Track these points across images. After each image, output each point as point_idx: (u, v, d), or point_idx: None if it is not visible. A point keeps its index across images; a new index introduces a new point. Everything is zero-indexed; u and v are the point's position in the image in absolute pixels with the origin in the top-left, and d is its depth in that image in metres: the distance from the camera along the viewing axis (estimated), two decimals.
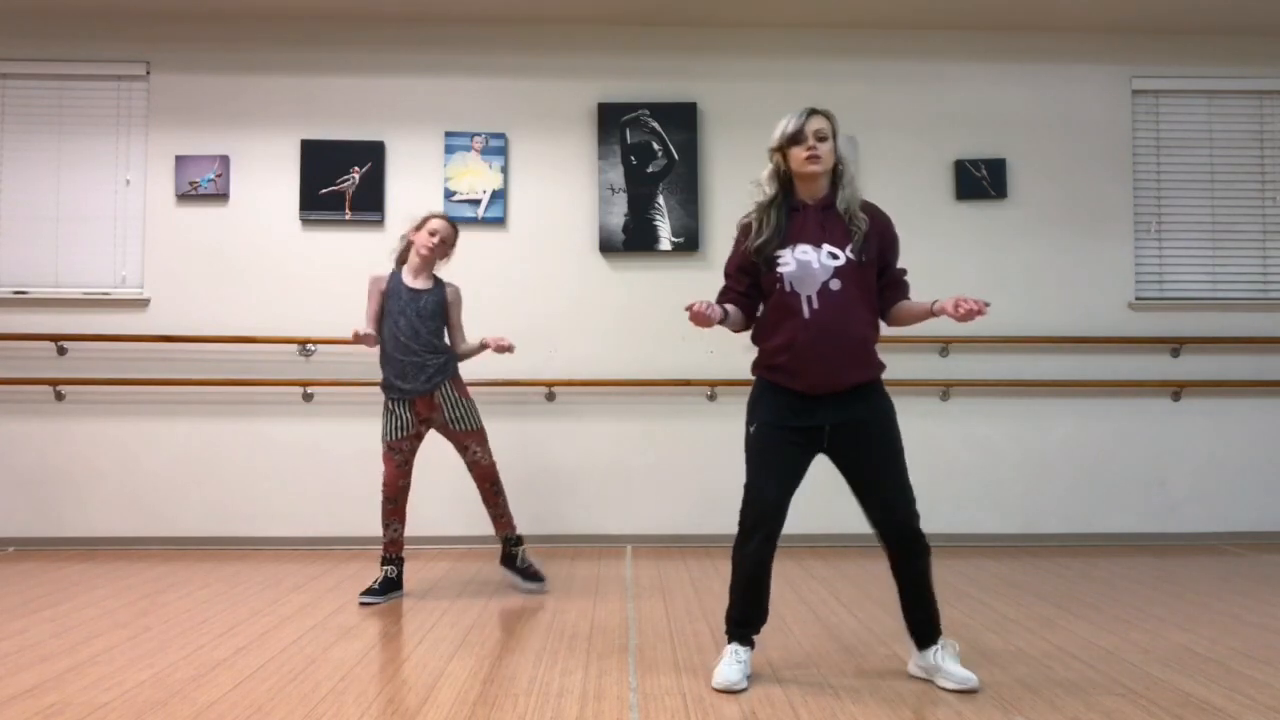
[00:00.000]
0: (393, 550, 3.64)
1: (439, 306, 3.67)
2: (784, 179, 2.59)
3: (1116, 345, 4.94)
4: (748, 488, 2.56)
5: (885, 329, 2.65)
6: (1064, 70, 5.05)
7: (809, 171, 2.53)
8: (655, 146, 4.91)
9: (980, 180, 4.97)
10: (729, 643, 2.57)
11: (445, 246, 3.69)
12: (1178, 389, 4.95)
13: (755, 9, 4.83)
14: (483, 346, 3.73)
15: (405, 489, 3.64)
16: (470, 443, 3.66)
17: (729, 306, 2.62)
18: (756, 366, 2.65)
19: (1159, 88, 5.08)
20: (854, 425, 2.51)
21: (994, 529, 4.85)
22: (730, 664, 2.50)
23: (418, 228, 3.68)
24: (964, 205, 4.98)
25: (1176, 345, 4.95)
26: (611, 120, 4.91)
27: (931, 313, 2.52)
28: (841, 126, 2.62)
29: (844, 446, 2.54)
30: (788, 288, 2.51)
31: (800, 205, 2.58)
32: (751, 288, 2.62)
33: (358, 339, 3.51)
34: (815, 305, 2.48)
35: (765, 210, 2.59)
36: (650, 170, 4.91)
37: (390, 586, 3.60)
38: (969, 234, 4.96)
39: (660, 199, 4.90)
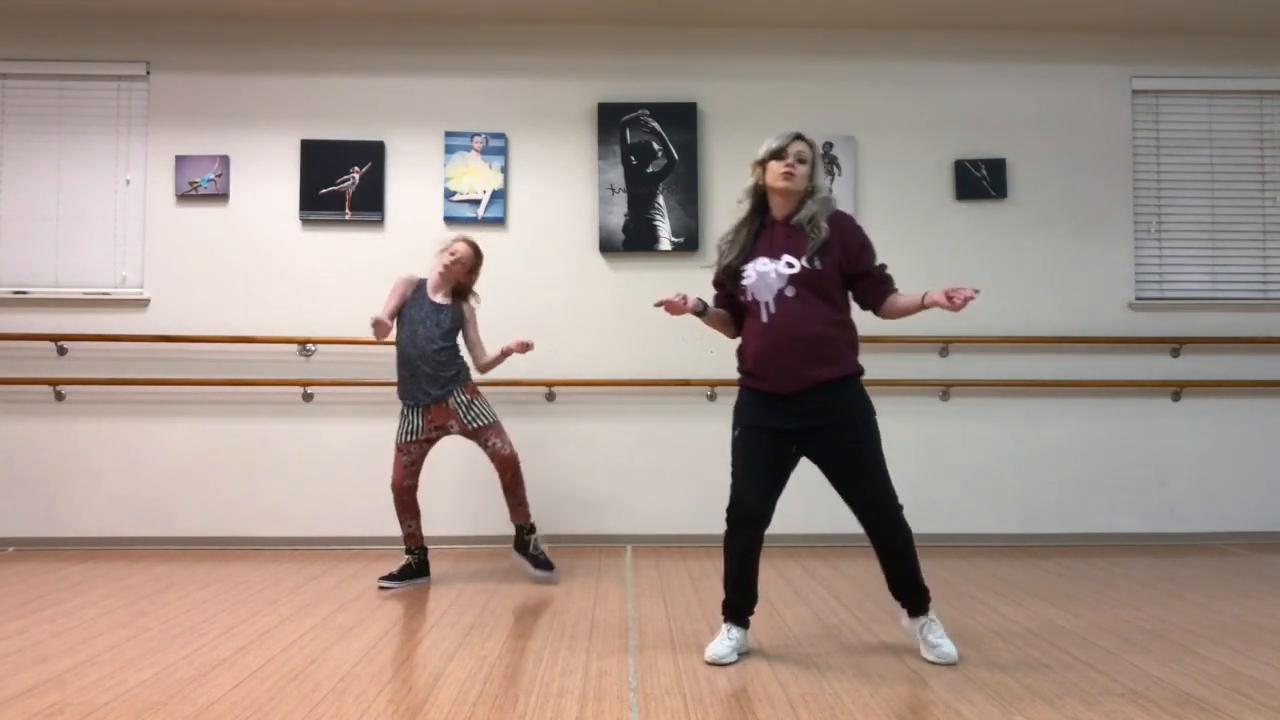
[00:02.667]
0: (411, 543, 3.80)
1: (456, 323, 3.81)
2: (760, 194, 2.80)
3: (1116, 345, 4.94)
4: (732, 487, 2.77)
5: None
6: (1064, 70, 5.05)
7: (781, 187, 2.73)
8: (655, 146, 4.91)
9: (980, 180, 4.97)
10: (724, 623, 2.81)
11: (461, 267, 3.80)
12: (1178, 389, 4.95)
13: (755, 9, 4.83)
14: (504, 354, 3.86)
15: (411, 489, 3.77)
16: (489, 436, 3.77)
17: (709, 303, 2.92)
18: (738, 374, 2.85)
19: (1159, 88, 5.08)
20: (829, 425, 2.68)
21: (993, 529, 4.84)
22: (722, 641, 2.76)
23: (444, 248, 3.82)
24: (964, 205, 4.97)
25: (1176, 345, 4.95)
26: (611, 120, 4.91)
27: (923, 305, 2.65)
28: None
29: (821, 445, 2.70)
30: (749, 296, 2.74)
31: (770, 223, 2.78)
32: (729, 296, 2.87)
33: (376, 326, 3.52)
34: (773, 310, 2.69)
35: (736, 231, 2.81)
36: (650, 170, 4.91)
37: (409, 573, 3.74)
38: (969, 234, 4.96)
39: (660, 199, 4.90)
